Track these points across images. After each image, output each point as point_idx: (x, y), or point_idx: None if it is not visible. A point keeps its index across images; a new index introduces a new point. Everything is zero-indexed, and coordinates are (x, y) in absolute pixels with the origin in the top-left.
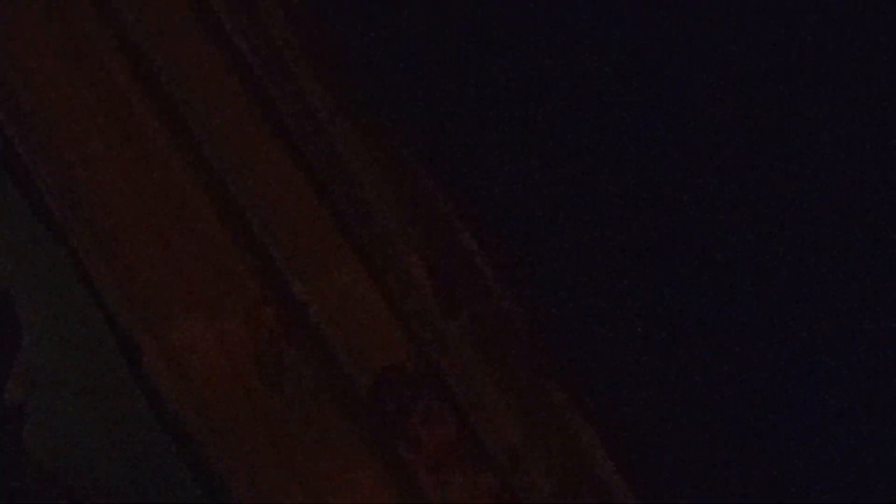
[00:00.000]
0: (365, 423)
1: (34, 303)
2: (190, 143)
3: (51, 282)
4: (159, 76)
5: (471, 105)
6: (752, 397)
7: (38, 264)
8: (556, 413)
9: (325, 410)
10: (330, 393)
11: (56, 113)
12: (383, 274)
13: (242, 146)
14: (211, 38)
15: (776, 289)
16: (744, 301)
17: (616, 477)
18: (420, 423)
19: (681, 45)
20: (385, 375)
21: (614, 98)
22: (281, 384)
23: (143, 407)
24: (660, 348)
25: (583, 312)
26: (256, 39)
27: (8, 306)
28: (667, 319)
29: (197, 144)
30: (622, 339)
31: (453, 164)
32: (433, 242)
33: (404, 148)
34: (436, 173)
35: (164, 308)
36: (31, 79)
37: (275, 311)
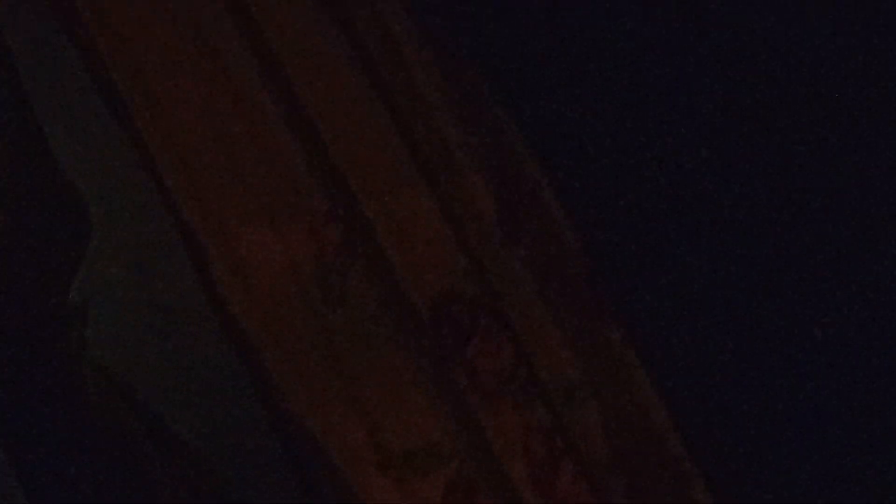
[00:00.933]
0: (422, 347)
1: (106, 206)
2: (267, 58)
3: (124, 187)
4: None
5: (546, 48)
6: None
7: (113, 169)
8: (612, 353)
9: (384, 331)
10: (389, 314)
11: (139, 24)
12: (449, 199)
13: (320, 64)
14: None
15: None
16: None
17: (668, 423)
18: (477, 352)
19: None
20: (445, 301)
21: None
22: (342, 301)
23: (205, 315)
24: (720, 298)
25: (644, 257)
26: None
27: (80, 206)
28: (726, 269)
29: (275, 60)
30: (682, 284)
31: (526, 100)
32: (500, 172)
33: (479, 80)
34: (508, 106)
35: (233, 218)
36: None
37: (341, 227)
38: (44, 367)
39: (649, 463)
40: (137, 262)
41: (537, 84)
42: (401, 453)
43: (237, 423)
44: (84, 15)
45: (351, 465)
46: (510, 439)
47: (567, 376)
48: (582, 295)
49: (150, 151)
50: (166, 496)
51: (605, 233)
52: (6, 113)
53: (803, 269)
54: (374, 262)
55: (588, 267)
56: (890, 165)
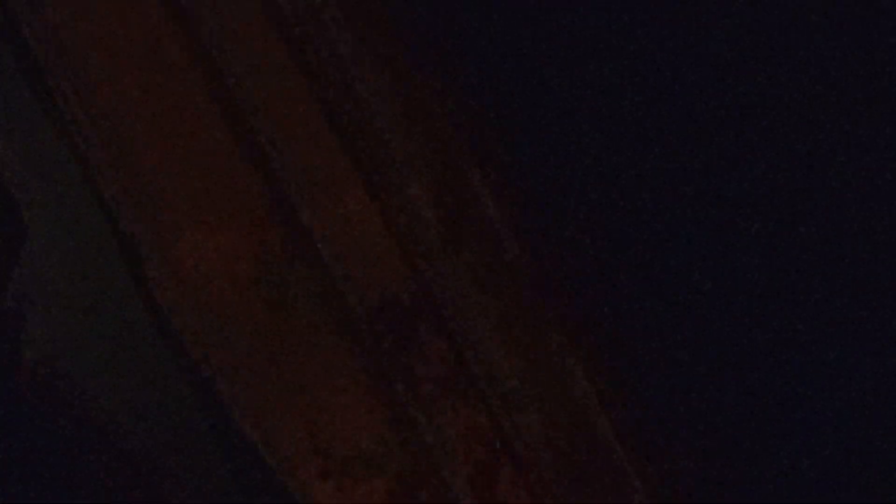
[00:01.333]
0: (362, 353)
1: (41, 211)
2: (207, 61)
3: (59, 187)
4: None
5: (487, 43)
6: (754, 350)
7: (47, 170)
8: (552, 357)
9: (324, 336)
10: (329, 319)
11: (80, 23)
12: (389, 205)
13: (260, 68)
14: None
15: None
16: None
17: (607, 425)
18: (416, 358)
19: None
20: (384, 306)
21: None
22: (282, 305)
23: (142, 319)
24: (662, 300)
25: (588, 262)
26: None
27: (13, 208)
28: (672, 270)
29: (214, 63)
30: (625, 288)
31: (467, 103)
32: (441, 178)
33: (419, 83)
34: (449, 110)
35: (171, 219)
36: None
37: (280, 232)
38: None
39: (590, 468)
40: (74, 264)
41: (481, 89)
42: (341, 459)
43: (178, 425)
44: (20, 15)
45: (292, 471)
46: (449, 444)
47: (507, 381)
48: (522, 301)
49: (87, 155)
50: (101, 476)
51: (546, 240)
52: None
53: (734, 263)
54: (313, 265)
55: (529, 273)
56: None
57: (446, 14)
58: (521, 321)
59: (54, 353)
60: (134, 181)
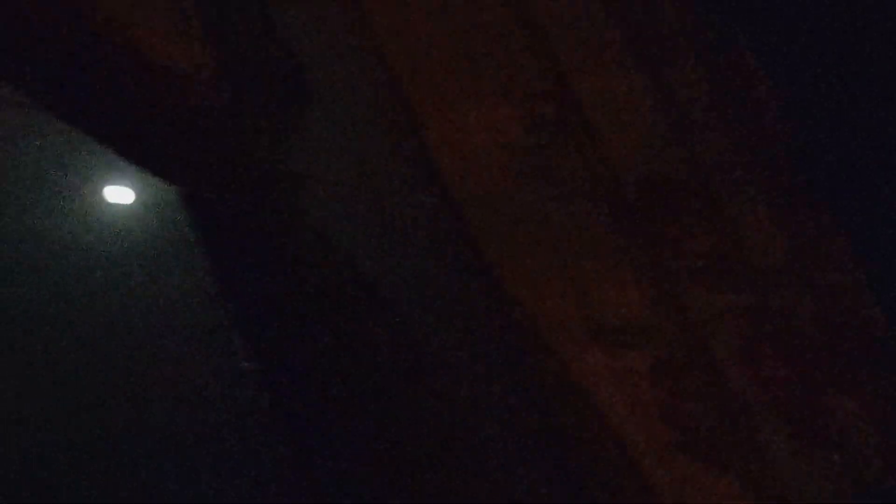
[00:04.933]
0: (632, 227)
1: (328, 79)
2: None
3: (344, 58)
4: None
5: None
6: None
7: (334, 40)
8: (820, 239)
9: (594, 208)
10: (599, 192)
11: None
12: (664, 84)
13: None
14: None
15: None
16: None
17: (878, 311)
18: (685, 231)
19: None
20: (654, 181)
21: None
22: (553, 177)
23: (416, 184)
24: None
25: (853, 143)
26: None
27: (300, 77)
28: None
29: None
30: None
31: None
32: (717, 59)
33: None
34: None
35: (452, 91)
36: None
37: (554, 106)
38: (261, 227)
39: (858, 349)
40: (354, 133)
41: None
42: (611, 327)
43: (447, 289)
44: None
45: (563, 335)
46: (716, 318)
47: (775, 259)
48: (791, 180)
49: (374, 27)
50: (375, 352)
51: (815, 118)
52: None
53: None
54: (586, 140)
55: (797, 151)
56: None
57: None
58: (790, 198)
59: (330, 223)
60: (416, 53)
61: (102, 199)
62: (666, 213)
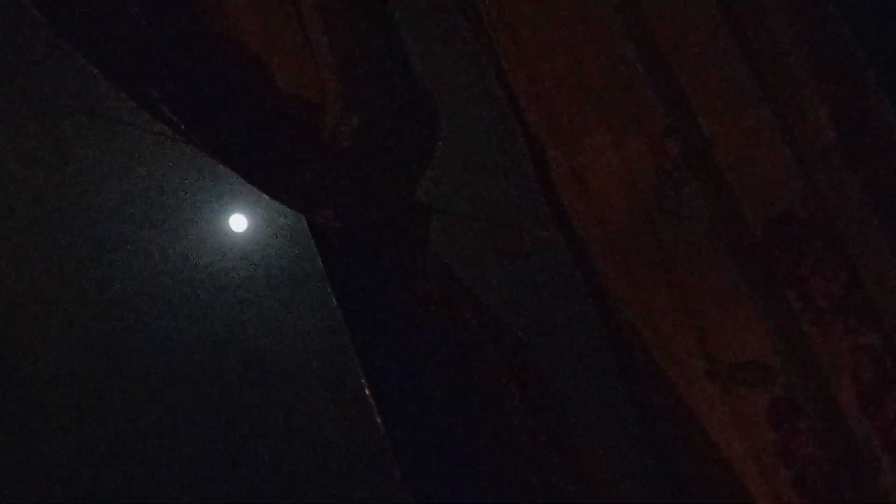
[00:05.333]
0: (755, 265)
1: (452, 116)
2: None
3: (469, 95)
4: None
5: None
6: None
7: (463, 77)
8: None
9: (718, 247)
10: (723, 230)
11: None
12: (790, 120)
13: None
14: None
15: None
16: None
17: None
18: (810, 273)
19: None
20: (781, 220)
21: None
22: (677, 214)
23: (542, 218)
24: None
25: None
26: None
27: (430, 110)
28: None
29: None
30: None
31: (879, 29)
32: (843, 95)
33: (831, 12)
34: (858, 34)
35: (576, 125)
36: None
37: (679, 143)
38: (388, 258)
39: None
40: (480, 168)
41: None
42: (728, 365)
43: (567, 323)
44: None
45: (679, 371)
46: (839, 361)
47: None
48: None
49: (500, 59)
50: (494, 385)
51: None
52: (371, 26)
53: None
54: (711, 177)
55: None
56: None
57: None
58: None
59: (454, 256)
60: (545, 88)
61: (227, 227)
62: (790, 252)
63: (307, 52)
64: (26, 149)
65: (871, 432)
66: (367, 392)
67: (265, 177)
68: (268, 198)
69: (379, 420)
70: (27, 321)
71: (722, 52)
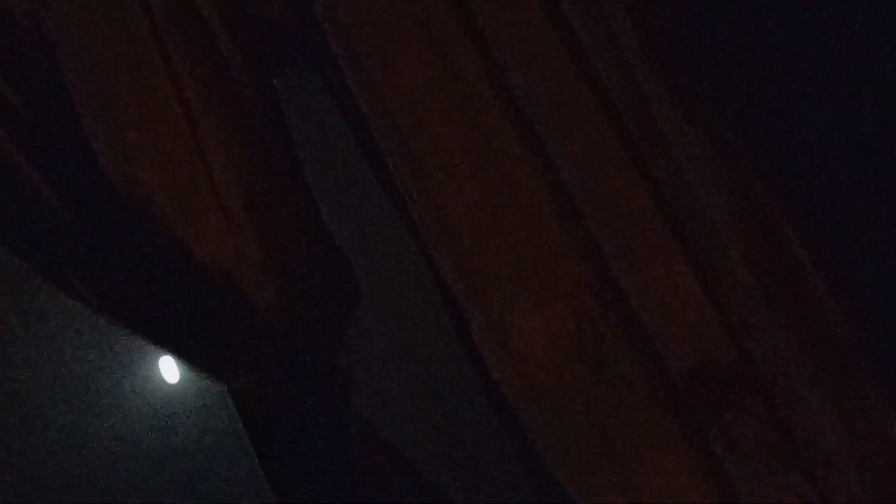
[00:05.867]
0: (680, 413)
1: (372, 274)
2: (530, 136)
3: (389, 256)
4: (503, 66)
5: (811, 125)
6: None
7: (379, 239)
8: (873, 420)
9: (642, 397)
10: (646, 380)
11: (408, 102)
12: (707, 269)
13: (579, 138)
14: (559, 37)
15: None
16: None
17: None
18: (733, 418)
19: None
20: (702, 368)
21: None
22: (600, 368)
23: (467, 383)
24: None
25: None
26: (599, 34)
27: (350, 274)
28: None
29: (532, 127)
30: None
31: (788, 175)
32: (760, 243)
33: (738, 151)
34: (770, 180)
35: (501, 295)
36: (390, 68)
37: (597, 296)
38: (313, 423)
39: None
40: (402, 327)
41: (803, 159)
42: None
43: (501, 484)
44: (353, 89)
45: None
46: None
47: (826, 443)
48: (842, 364)
49: (416, 220)
50: None
51: (870, 309)
52: (286, 190)
53: None
54: (631, 329)
55: (850, 339)
56: None
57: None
58: (840, 384)
59: (380, 419)
60: (462, 247)
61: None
62: (713, 399)
63: (223, 219)
64: None
65: None
66: None
67: (183, 347)
68: (187, 365)
69: None
70: None
71: (635, 203)
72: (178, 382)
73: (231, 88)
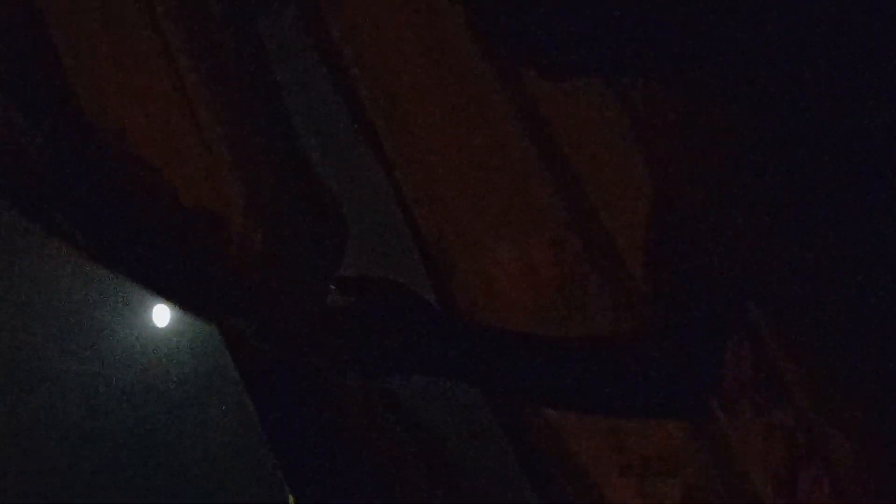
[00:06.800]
0: None
1: (356, 219)
2: (508, 74)
3: (372, 200)
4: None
5: None
6: None
7: (363, 186)
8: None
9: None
10: (628, 321)
11: (389, 47)
12: None
13: (560, 73)
14: None
15: None
16: None
17: None
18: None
19: None
20: None
21: None
22: (584, 308)
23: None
24: None
25: None
26: None
27: (340, 218)
28: None
29: (516, 74)
30: None
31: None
32: None
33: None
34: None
35: (476, 228)
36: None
37: (580, 238)
38: (302, 364)
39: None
40: (387, 272)
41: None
42: (641, 456)
43: (483, 425)
44: (342, 48)
45: (593, 466)
46: (751, 443)
47: (815, 381)
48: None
49: (396, 172)
50: (412, 487)
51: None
52: (271, 133)
53: None
54: (613, 270)
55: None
56: None
57: None
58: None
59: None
60: (440, 189)
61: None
62: None
63: (208, 164)
64: None
65: None
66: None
67: (173, 290)
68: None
69: None
70: None
71: (620, 147)
72: (168, 326)
73: (211, 28)
